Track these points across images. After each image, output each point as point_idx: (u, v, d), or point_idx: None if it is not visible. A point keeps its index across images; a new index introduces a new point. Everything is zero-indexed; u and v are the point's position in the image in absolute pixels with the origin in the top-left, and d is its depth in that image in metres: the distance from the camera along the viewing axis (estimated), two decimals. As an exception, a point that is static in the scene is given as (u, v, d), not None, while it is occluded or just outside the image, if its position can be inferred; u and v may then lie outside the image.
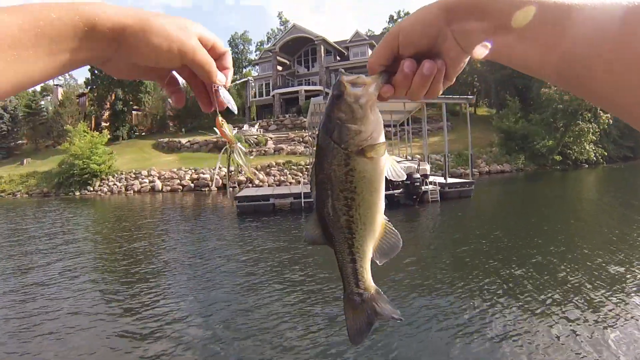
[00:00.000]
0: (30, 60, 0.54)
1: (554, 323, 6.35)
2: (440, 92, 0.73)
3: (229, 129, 0.96)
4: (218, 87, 0.77)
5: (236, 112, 0.85)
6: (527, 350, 5.62)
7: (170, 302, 8.30)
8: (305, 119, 39.56)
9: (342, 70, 0.79)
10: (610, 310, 6.71)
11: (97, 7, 0.59)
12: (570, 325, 6.24)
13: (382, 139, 0.77)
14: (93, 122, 56.09)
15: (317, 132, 0.81)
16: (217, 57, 0.75)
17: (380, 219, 0.82)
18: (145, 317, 7.48)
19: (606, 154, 47.90)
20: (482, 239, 12.50)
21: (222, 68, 0.77)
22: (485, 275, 8.85)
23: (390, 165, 0.80)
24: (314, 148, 0.82)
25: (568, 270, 8.92)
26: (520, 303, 7.23)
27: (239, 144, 1.06)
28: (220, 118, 0.88)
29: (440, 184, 21.37)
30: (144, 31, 0.63)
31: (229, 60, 0.79)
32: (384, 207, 0.81)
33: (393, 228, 0.83)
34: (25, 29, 0.53)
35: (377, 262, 0.84)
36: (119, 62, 0.67)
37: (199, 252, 12.68)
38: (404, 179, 0.82)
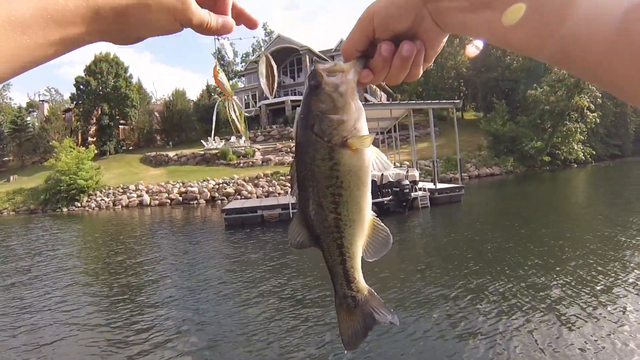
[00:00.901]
0: (39, 42, 0.55)
1: (547, 326, 6.30)
2: (420, 75, 0.70)
3: (226, 81, 0.82)
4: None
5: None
6: (519, 353, 5.56)
7: (157, 315, 8.21)
8: (292, 129, 39.45)
9: (316, 58, 0.78)
10: (604, 311, 6.67)
11: None
12: (563, 327, 6.20)
13: (366, 128, 0.74)
14: (80, 137, 55.73)
15: (294, 128, 0.76)
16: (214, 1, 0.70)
17: (368, 215, 0.78)
18: (133, 330, 7.49)
19: (594, 152, 48.52)
20: (473, 243, 12.42)
21: (235, 16, 0.73)
22: (477, 280, 8.78)
23: (375, 156, 0.75)
24: (293, 146, 0.76)
25: (561, 272, 8.85)
26: (512, 307, 7.16)
27: (235, 98, 0.93)
28: (217, 66, 0.80)
29: (429, 190, 21.26)
30: (145, 6, 0.61)
31: (228, 3, 0.72)
32: (371, 202, 0.77)
33: (382, 224, 0.79)
34: (36, 14, 0.54)
35: (369, 260, 0.80)
36: (123, 36, 0.66)
37: (186, 266, 12.50)
38: (390, 171, 0.68)
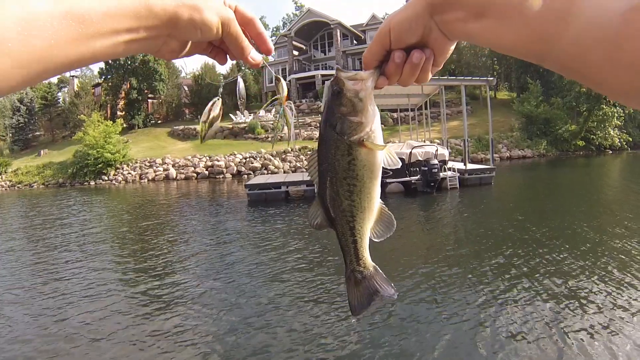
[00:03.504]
0: (98, 39, 0.59)
1: (580, 316, 5.95)
2: (429, 79, 0.79)
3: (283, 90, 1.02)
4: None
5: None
6: (554, 343, 5.23)
7: (177, 294, 8.08)
8: (322, 103, 38.93)
9: (338, 66, 0.87)
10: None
11: None
12: (598, 320, 5.77)
13: (380, 131, 0.84)
14: (109, 111, 56.18)
15: (319, 126, 0.87)
16: (244, 23, 0.79)
17: (377, 203, 0.89)
18: (152, 303, 7.58)
19: (631, 139, 46.09)
20: (503, 229, 11.76)
21: (254, 36, 0.81)
22: (506, 267, 8.31)
23: (387, 154, 0.85)
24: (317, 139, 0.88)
25: (594, 262, 8.29)
26: (545, 296, 6.77)
27: (290, 104, 1.10)
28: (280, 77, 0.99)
29: (459, 170, 20.49)
30: (195, 9, 0.68)
31: (259, 27, 0.81)
32: (380, 191, 0.88)
33: (388, 210, 0.90)
34: (109, 12, 0.59)
35: (375, 240, 0.91)
36: (172, 43, 0.72)
37: (202, 244, 12.17)
38: (399, 166, 0.84)
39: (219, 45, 0.82)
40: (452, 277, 7.94)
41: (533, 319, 5.94)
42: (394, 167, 0.87)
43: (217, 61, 0.86)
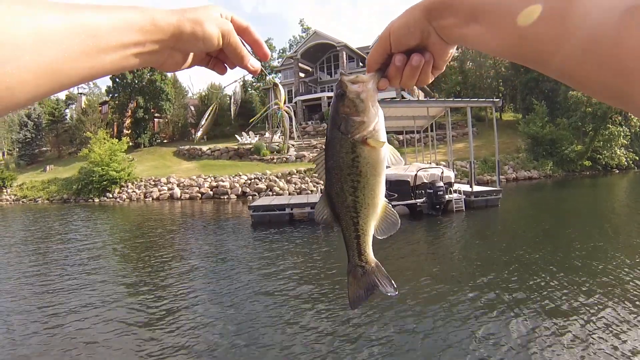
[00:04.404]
0: (108, 53, 0.62)
1: (589, 340, 5.92)
2: (430, 81, 0.81)
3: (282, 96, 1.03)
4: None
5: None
6: None
7: (178, 309, 8.16)
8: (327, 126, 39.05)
9: (342, 71, 0.92)
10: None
11: (155, 10, 0.69)
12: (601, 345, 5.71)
13: (383, 129, 0.88)
14: (115, 129, 56.46)
15: (325, 127, 0.93)
16: (241, 32, 0.82)
17: (381, 201, 0.93)
18: (153, 317, 7.78)
19: (637, 158, 46.00)
20: (509, 252, 11.59)
21: (251, 42, 0.85)
22: (513, 290, 8.24)
23: (390, 152, 0.90)
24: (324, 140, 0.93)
25: (602, 287, 8.17)
26: (550, 318, 6.75)
27: (288, 108, 1.06)
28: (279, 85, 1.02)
29: (465, 192, 20.33)
30: (197, 22, 0.72)
31: (255, 34, 0.85)
32: (384, 190, 0.92)
33: (392, 209, 0.94)
34: (117, 26, 0.62)
35: (379, 237, 0.95)
36: (176, 56, 0.76)
37: (203, 266, 12.03)
38: (402, 164, 0.91)
39: (216, 56, 0.85)
40: (457, 300, 7.87)
41: (541, 344, 5.89)
42: (397, 165, 0.94)
43: (216, 71, 0.88)
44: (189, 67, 0.83)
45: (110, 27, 0.60)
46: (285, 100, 0.99)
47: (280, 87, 1.06)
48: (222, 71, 0.88)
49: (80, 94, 70.68)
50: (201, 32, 0.72)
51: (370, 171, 0.87)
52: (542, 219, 18.16)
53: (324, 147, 0.92)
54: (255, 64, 0.85)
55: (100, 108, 61.05)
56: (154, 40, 0.67)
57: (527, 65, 0.63)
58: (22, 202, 42.04)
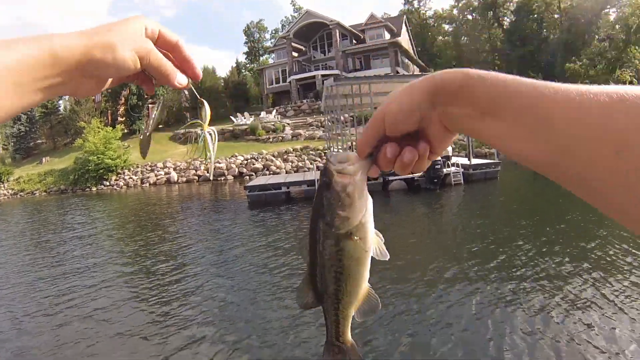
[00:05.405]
0: (8, 96, 0.58)
1: (584, 317, 5.85)
2: (426, 168, 0.75)
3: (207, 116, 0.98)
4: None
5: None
6: (554, 343, 5.26)
7: (178, 296, 8.16)
8: (322, 103, 38.62)
9: (332, 154, 0.84)
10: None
11: (58, 38, 0.63)
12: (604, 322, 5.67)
13: (371, 221, 0.82)
14: (109, 117, 56.21)
15: (310, 214, 0.87)
16: (170, 49, 0.77)
17: (364, 288, 0.89)
18: (153, 306, 7.69)
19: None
20: (509, 225, 11.48)
21: (180, 61, 0.79)
22: (513, 264, 8.16)
23: (377, 245, 0.85)
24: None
25: (602, 256, 8.08)
26: (549, 295, 6.67)
27: (211, 130, 1.03)
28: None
29: (463, 166, 20.17)
30: (107, 47, 0.65)
31: (185, 51, 0.79)
32: (368, 276, 0.88)
33: (374, 293, 0.91)
34: (10, 66, 0.57)
35: (358, 319, 0.93)
36: (87, 83, 0.69)
37: (199, 250, 11.90)
38: (387, 258, 0.86)
39: (143, 72, 0.76)
40: (456, 274, 7.82)
41: (538, 316, 5.91)
42: (382, 259, 0.85)
43: (144, 88, 0.83)
44: (109, 88, 0.79)
45: (2, 67, 0.56)
46: (209, 121, 0.95)
47: (206, 106, 0.92)
48: (149, 89, 0.81)
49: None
50: (111, 58, 0.65)
51: (354, 264, 0.83)
52: (542, 190, 17.87)
53: (308, 232, 0.84)
54: (182, 80, 0.78)
55: (93, 97, 60.59)
56: (54, 74, 0.62)
57: (564, 186, 0.54)
58: (20, 195, 42.01)
